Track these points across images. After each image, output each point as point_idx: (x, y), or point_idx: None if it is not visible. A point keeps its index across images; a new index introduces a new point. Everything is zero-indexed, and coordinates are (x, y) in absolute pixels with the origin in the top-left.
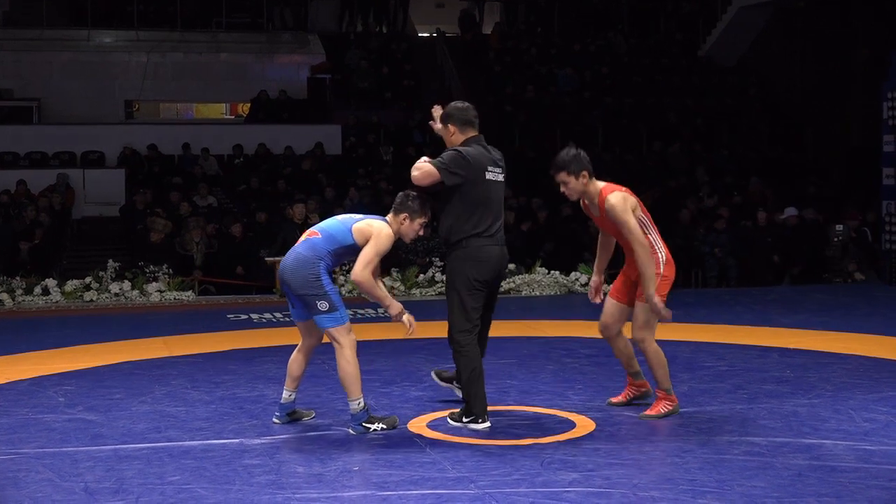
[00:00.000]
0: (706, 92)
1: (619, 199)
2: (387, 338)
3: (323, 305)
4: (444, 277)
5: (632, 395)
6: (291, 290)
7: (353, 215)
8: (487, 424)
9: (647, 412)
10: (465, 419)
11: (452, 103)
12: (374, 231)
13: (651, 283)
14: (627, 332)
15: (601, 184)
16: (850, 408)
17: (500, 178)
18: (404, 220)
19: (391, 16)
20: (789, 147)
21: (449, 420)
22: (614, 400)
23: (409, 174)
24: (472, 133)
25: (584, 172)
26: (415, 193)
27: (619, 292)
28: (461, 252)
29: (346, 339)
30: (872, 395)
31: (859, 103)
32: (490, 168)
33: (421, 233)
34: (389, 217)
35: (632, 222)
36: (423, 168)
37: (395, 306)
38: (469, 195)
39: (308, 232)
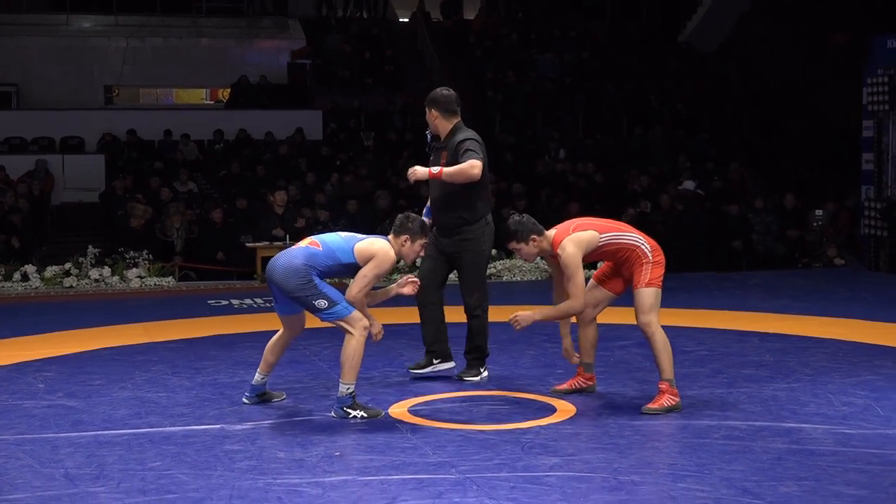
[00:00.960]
0: (687, 77)
1: (571, 252)
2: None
3: (322, 304)
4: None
5: (577, 386)
6: (282, 293)
7: (355, 234)
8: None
9: (650, 405)
10: (482, 370)
11: (438, 89)
12: (377, 252)
13: (550, 316)
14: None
15: (552, 233)
16: (829, 392)
17: None
18: (405, 241)
19: (371, 1)
20: (770, 132)
21: (467, 378)
22: (559, 387)
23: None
24: (456, 120)
25: (533, 236)
26: (414, 215)
27: (606, 279)
28: (487, 228)
29: (356, 328)
30: (851, 380)
31: (840, 88)
32: None
33: (422, 254)
34: (390, 238)
35: (580, 280)
36: (473, 166)
37: (377, 325)
38: (486, 176)
39: (309, 240)
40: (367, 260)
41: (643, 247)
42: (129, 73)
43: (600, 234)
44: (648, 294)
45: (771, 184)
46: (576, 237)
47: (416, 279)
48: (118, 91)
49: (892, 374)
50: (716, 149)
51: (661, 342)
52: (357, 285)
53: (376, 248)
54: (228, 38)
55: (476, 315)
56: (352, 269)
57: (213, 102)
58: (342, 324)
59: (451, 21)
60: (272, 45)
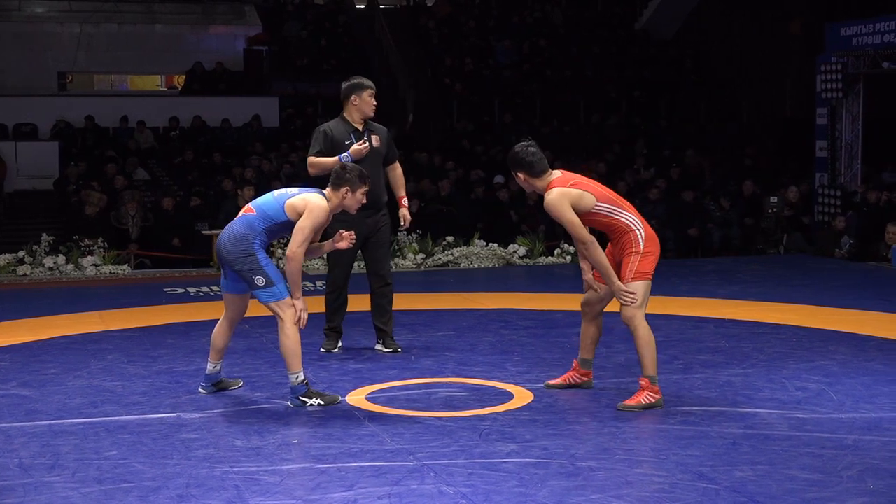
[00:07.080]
0: (644, 64)
1: (554, 196)
2: (324, 311)
3: (260, 281)
4: None
5: (573, 381)
6: (228, 265)
7: (288, 190)
8: None
9: (627, 402)
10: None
11: (345, 81)
12: (307, 203)
13: (610, 277)
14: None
15: (553, 177)
16: (783, 377)
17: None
18: (346, 193)
19: None
20: (726, 119)
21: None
22: (552, 382)
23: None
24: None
25: (519, 173)
26: (350, 165)
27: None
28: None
29: (286, 314)
30: (805, 365)
31: (795, 75)
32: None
33: (364, 201)
34: (329, 192)
35: (568, 217)
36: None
37: (300, 303)
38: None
39: (245, 208)
40: (300, 214)
41: (637, 232)
42: (83, 60)
43: (598, 200)
44: (635, 288)
45: (727, 171)
46: (567, 190)
47: (351, 232)
48: (72, 77)
49: (845, 359)
50: (673, 136)
51: (645, 337)
52: (296, 240)
53: (308, 199)
54: (184, 25)
55: (390, 283)
56: (289, 226)
57: (167, 89)
58: (274, 307)
59: (406, 13)
60: (228, 31)
